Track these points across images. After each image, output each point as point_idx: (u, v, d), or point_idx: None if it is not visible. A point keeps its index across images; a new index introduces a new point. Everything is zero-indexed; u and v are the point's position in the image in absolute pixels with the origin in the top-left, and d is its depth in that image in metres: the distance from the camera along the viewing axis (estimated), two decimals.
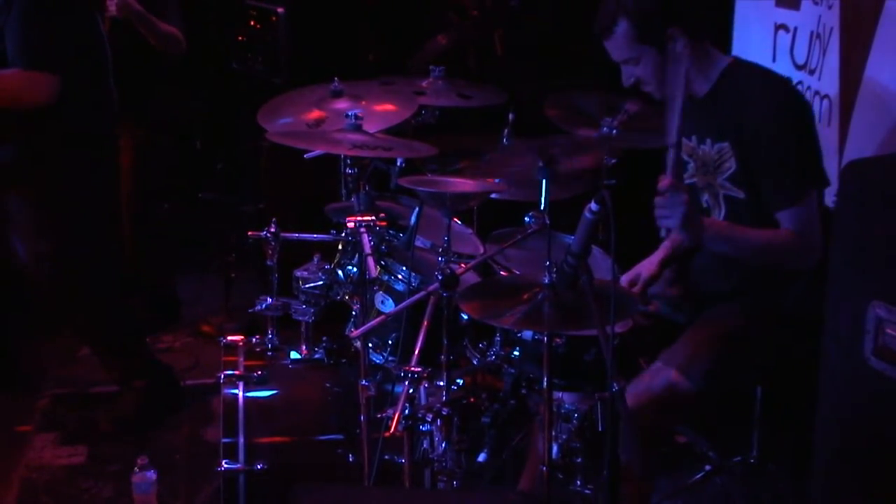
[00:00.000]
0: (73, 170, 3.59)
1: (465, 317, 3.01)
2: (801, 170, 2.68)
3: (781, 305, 2.82)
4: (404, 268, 2.98)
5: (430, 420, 2.65)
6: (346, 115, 3.17)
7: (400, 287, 2.99)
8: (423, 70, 4.02)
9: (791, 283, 2.81)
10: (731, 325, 2.82)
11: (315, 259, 3.27)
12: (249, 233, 3.25)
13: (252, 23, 4.77)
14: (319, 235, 3.37)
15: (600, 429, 2.56)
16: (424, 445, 2.70)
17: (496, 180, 3.31)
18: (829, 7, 3.22)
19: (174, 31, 4.11)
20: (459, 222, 3.36)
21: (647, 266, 3.03)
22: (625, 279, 2.95)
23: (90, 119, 3.61)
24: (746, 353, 2.81)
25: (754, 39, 3.67)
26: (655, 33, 2.72)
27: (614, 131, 3.43)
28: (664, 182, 2.63)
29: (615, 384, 2.21)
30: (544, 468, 2.42)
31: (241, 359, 3.10)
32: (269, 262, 3.22)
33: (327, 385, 3.11)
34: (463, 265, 2.80)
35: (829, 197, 2.81)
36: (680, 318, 3.01)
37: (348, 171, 3.29)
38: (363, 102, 3.44)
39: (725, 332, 2.80)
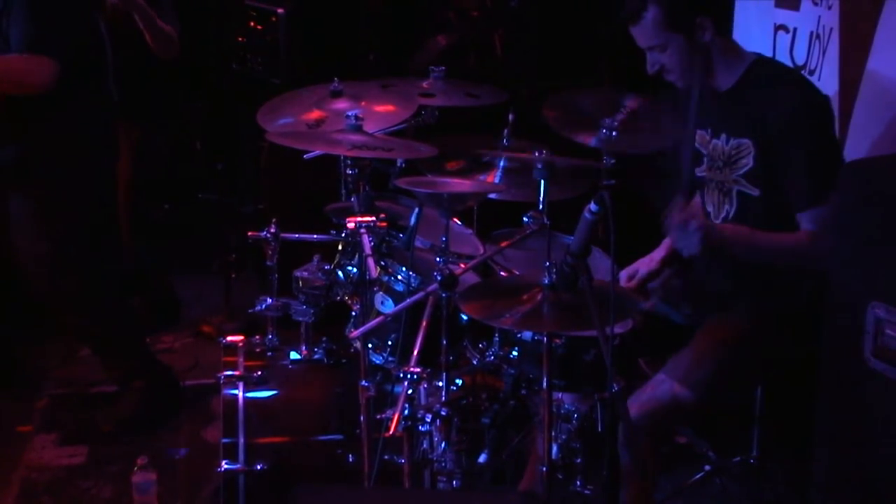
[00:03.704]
0: (73, 171, 3.59)
1: (465, 317, 3.00)
2: (826, 171, 2.63)
3: (786, 307, 2.81)
4: (404, 268, 2.98)
5: (429, 420, 2.65)
6: (346, 116, 3.16)
7: (400, 287, 2.99)
8: (423, 70, 4.01)
9: (798, 282, 2.78)
10: (735, 332, 2.80)
11: (315, 259, 3.27)
12: (249, 233, 3.24)
13: (252, 23, 4.76)
14: (319, 236, 3.37)
15: (600, 429, 2.57)
16: (424, 446, 2.70)
17: (495, 180, 3.31)
18: (829, 7, 3.22)
19: (171, 30, 4.11)
20: (459, 222, 3.35)
21: (646, 262, 3.03)
22: (623, 274, 2.95)
23: (89, 120, 3.61)
24: (749, 360, 2.81)
25: (754, 40, 3.66)
26: (685, 21, 2.72)
27: (614, 132, 3.43)
28: (674, 218, 2.63)
29: (615, 385, 2.21)
30: (544, 468, 2.42)
31: (241, 359, 3.09)
32: (269, 263, 3.22)
33: (328, 386, 3.11)
34: (462, 265, 2.80)
35: None
36: (679, 317, 3.00)
37: (348, 171, 3.29)
38: (363, 103, 3.43)
39: (729, 339, 2.79)
